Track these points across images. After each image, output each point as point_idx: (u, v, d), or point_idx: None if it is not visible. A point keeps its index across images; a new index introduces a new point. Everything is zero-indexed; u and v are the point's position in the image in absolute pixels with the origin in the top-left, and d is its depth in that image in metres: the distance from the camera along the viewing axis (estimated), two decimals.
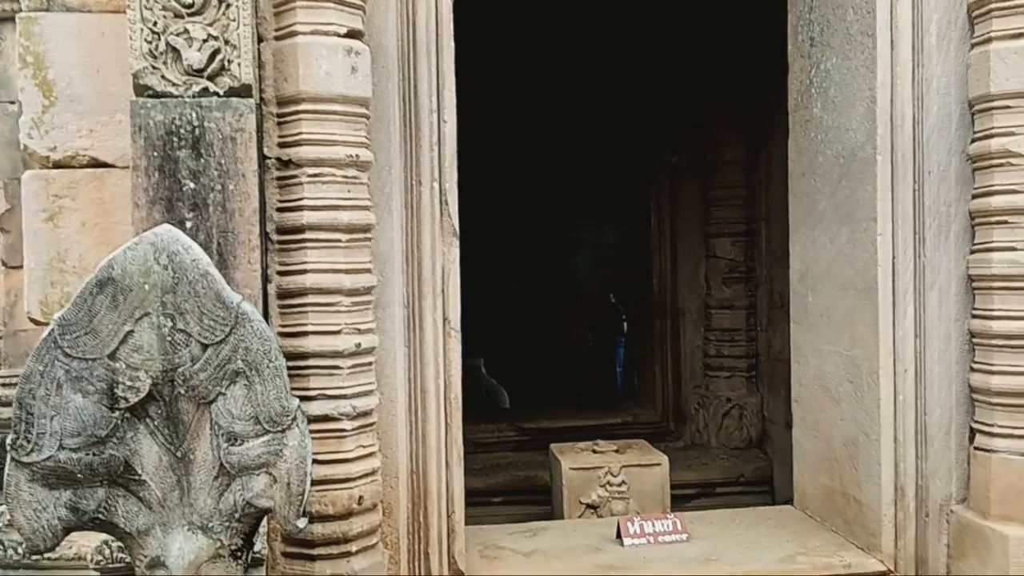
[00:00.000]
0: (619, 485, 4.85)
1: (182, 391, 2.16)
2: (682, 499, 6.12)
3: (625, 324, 8.28)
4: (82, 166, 3.00)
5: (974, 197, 3.29)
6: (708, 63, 6.48)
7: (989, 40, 3.17)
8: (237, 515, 2.24)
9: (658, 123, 7.01)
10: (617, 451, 5.09)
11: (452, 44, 3.23)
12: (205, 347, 2.15)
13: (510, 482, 6.06)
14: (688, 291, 6.90)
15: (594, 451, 5.12)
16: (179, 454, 2.22)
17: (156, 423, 2.18)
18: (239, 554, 2.27)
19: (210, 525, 2.24)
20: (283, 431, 2.14)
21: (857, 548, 3.58)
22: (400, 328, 3.21)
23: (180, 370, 2.15)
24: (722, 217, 6.60)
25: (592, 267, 9.51)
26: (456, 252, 3.29)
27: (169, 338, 2.14)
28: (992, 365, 3.21)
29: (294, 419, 2.14)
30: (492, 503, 6.00)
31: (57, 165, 2.98)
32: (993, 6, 3.13)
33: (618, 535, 3.72)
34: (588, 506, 4.86)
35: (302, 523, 2.18)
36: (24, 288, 2.89)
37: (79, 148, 2.98)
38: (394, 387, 3.19)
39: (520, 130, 9.54)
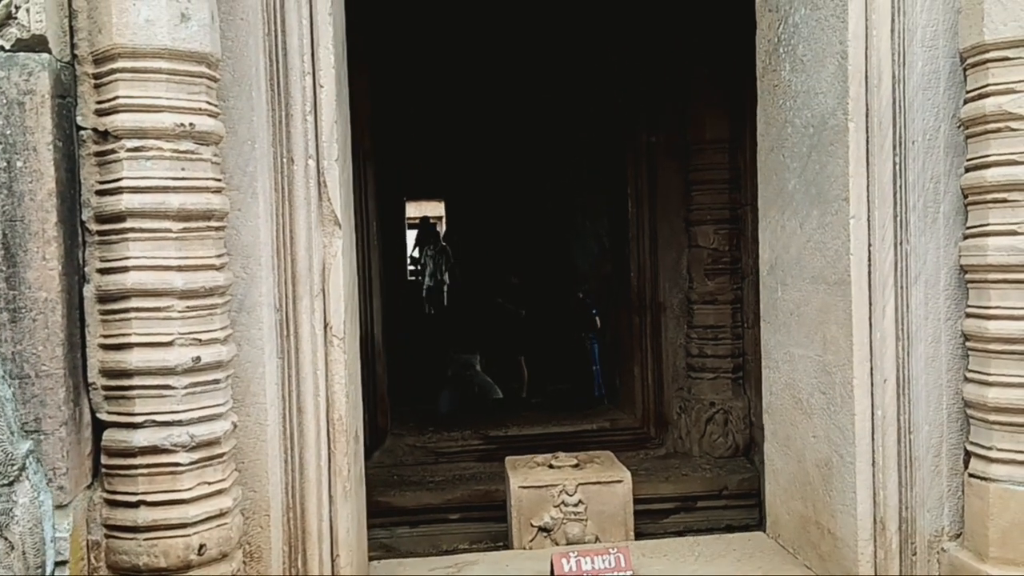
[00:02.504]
0: (575, 506, 4.30)
1: None
2: (659, 514, 5.58)
3: (597, 320, 7.68)
4: None
5: (967, 170, 2.71)
6: (688, 35, 5.90)
7: None
8: None
9: (636, 101, 6.42)
10: (576, 465, 4.54)
11: None
12: None
13: (469, 497, 5.52)
14: (670, 284, 6.32)
15: (551, 465, 4.57)
16: None
17: None
18: None
19: None
20: (10, 484, 1.61)
21: None
22: (270, 336, 2.66)
23: None
24: (704, 202, 6.00)
25: (594, 260, 8.93)
26: (339, 244, 2.74)
27: None
28: (989, 374, 2.63)
29: (23, 469, 1.60)
30: (449, 520, 5.49)
31: None
32: None
33: (552, 574, 3.17)
34: (540, 529, 4.31)
35: None
36: None
37: None
38: (263, 407, 2.65)
39: (507, 121, 9.08)
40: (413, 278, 13.02)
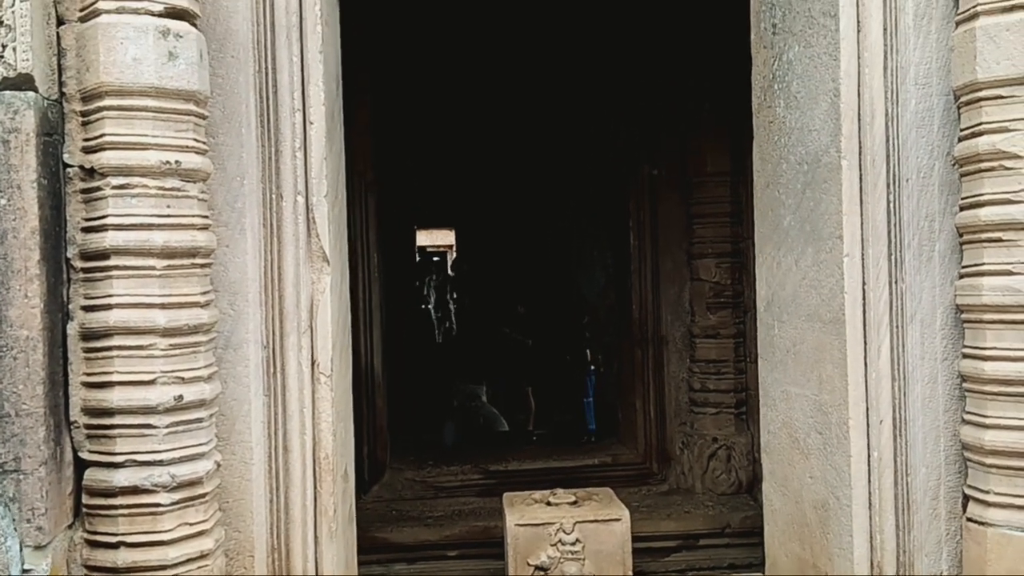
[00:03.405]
0: (572, 544, 4.24)
1: None
2: (661, 552, 5.49)
3: (588, 352, 7.61)
4: None
5: (961, 209, 2.68)
6: (691, 69, 5.91)
7: (975, 16, 2.57)
8: None
9: (638, 133, 6.42)
10: (574, 502, 4.47)
11: (320, 28, 2.68)
12: None
13: (467, 533, 5.45)
14: (672, 317, 6.27)
15: (549, 502, 4.51)
16: None
17: None
18: None
19: None
20: None
21: None
22: (257, 373, 2.65)
23: None
24: (706, 236, 5.97)
25: (601, 290, 8.88)
26: (327, 280, 2.72)
27: None
28: (985, 417, 2.58)
29: None
30: (447, 557, 5.41)
31: None
32: None
33: None
34: (537, 568, 4.25)
35: None
36: None
37: None
38: (248, 445, 2.63)
39: (514, 152, 9.12)
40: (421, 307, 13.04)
